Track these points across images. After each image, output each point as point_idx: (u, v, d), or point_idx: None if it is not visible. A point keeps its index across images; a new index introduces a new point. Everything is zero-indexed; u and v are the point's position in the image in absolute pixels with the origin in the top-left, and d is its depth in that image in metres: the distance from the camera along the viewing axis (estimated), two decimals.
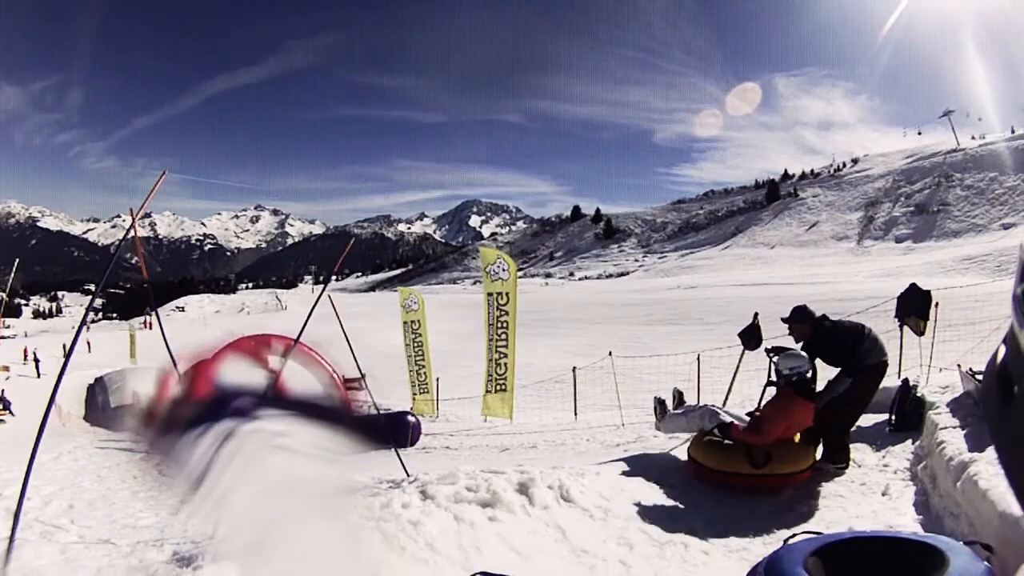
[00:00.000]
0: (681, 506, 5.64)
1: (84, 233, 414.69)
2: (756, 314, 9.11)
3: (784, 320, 7.72)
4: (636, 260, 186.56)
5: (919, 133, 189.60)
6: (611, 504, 5.62)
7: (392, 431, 13.01)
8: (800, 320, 7.49)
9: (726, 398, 9.37)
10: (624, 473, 6.65)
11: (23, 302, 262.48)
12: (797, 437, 6.74)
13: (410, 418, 15.45)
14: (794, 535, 3.07)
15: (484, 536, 5.01)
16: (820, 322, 7.41)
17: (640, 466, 6.94)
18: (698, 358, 16.16)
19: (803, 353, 7.15)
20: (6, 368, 41.62)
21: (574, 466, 6.83)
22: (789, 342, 7.81)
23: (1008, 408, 1.09)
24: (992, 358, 1.18)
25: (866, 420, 7.91)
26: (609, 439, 11.57)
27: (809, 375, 7.05)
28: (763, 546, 4.46)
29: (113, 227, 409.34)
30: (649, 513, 5.49)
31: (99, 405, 37.23)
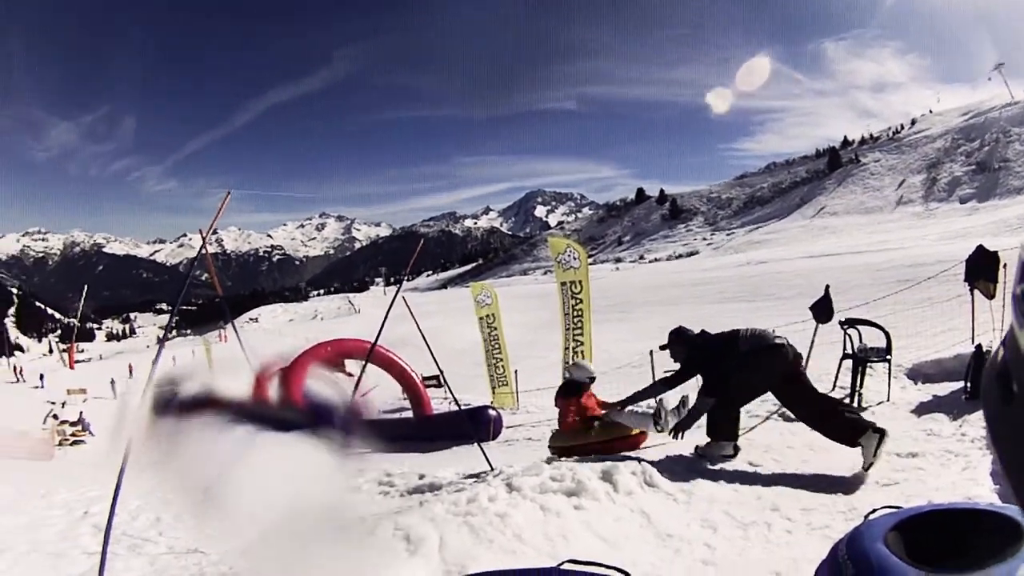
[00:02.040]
0: (764, 485, 5.59)
1: (151, 255, 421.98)
2: (827, 287, 9.01)
3: (662, 347, 8.04)
4: (704, 239, 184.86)
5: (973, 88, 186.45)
6: (694, 487, 5.62)
7: (473, 426, 13.12)
8: (673, 342, 7.76)
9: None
10: (704, 455, 6.65)
11: (96, 326, 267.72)
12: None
13: (491, 412, 15.53)
14: (874, 510, 3.05)
15: (570, 525, 5.04)
16: (693, 339, 7.56)
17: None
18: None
19: (587, 364, 9.85)
20: (83, 391, 42.74)
21: (657, 450, 6.84)
22: (863, 313, 7.75)
23: (1008, 408, 1.08)
24: (992, 358, 1.18)
25: (942, 389, 7.81)
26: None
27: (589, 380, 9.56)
28: (845, 523, 4.41)
29: (180, 247, 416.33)
30: (732, 494, 5.47)
31: None
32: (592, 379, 9.78)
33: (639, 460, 6.19)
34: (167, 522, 8.39)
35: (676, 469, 6.08)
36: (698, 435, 7.35)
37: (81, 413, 33.18)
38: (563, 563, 2.80)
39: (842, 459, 6.03)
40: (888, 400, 8.38)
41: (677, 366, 7.60)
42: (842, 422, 6.57)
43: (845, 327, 8.75)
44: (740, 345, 6.94)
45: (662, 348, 7.93)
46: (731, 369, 6.84)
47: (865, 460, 6.13)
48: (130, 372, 57.87)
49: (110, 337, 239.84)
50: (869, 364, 8.57)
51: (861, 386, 8.50)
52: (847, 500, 5.13)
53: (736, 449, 6.73)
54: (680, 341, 7.62)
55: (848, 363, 8.87)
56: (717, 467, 6.18)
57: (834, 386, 9.22)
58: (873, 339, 8.85)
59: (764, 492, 5.42)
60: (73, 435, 29.28)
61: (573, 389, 9.58)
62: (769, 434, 7.36)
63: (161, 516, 8.79)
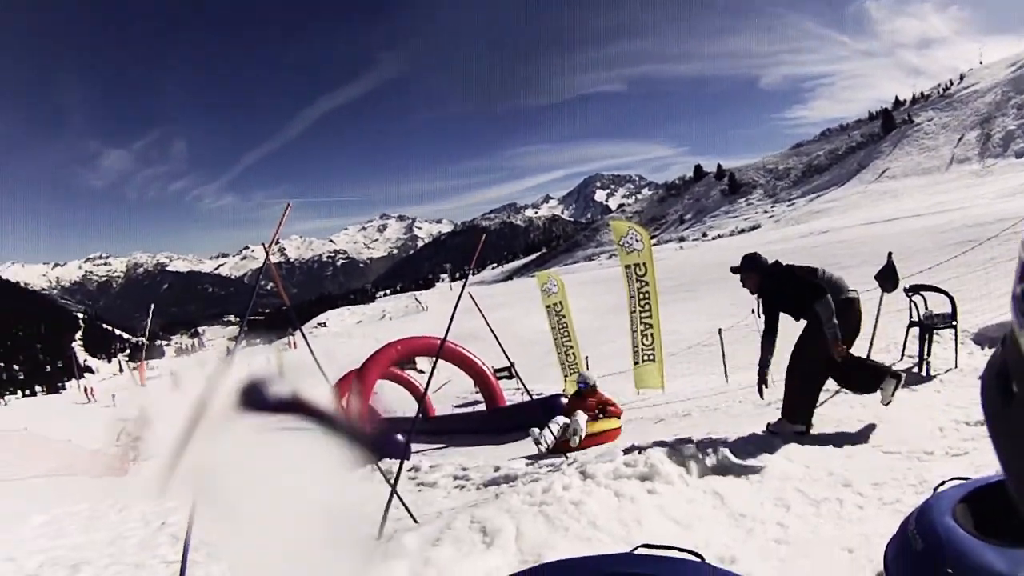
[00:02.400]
0: (835, 461, 5.55)
1: (215, 269, 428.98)
2: (890, 254, 8.87)
3: (733, 270, 7.59)
4: (765, 211, 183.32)
5: None
6: (766, 465, 5.59)
7: (547, 415, 13.15)
8: (748, 268, 7.31)
9: (871, 343, 9.17)
10: (777, 432, 6.63)
11: (164, 343, 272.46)
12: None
13: (563, 400, 15.52)
14: (943, 482, 3.04)
15: (644, 509, 5.05)
16: (767, 268, 7.22)
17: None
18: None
19: (588, 374, 11.22)
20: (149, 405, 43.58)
21: (728, 430, 6.82)
22: (926, 278, 7.62)
23: (1008, 408, 1.08)
24: (992, 357, 1.17)
25: None
26: (761, 399, 11.46)
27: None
28: (915, 496, 4.37)
29: (243, 259, 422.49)
30: (804, 471, 5.43)
31: None
32: (593, 385, 12.23)
33: (711, 441, 6.18)
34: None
35: (748, 448, 6.06)
36: (767, 414, 7.32)
37: (147, 423, 33.78)
38: (637, 548, 2.83)
39: (912, 430, 5.97)
40: (956, 367, 8.19)
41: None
42: (867, 373, 6.66)
43: (910, 294, 8.61)
44: (822, 282, 6.81)
45: (733, 271, 7.59)
46: (807, 312, 6.74)
47: (883, 399, 6.45)
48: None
49: (180, 352, 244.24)
50: (936, 331, 8.41)
51: (929, 354, 8.30)
52: (917, 472, 5.06)
53: (808, 427, 6.66)
54: (753, 268, 7.29)
55: (915, 331, 8.74)
56: (788, 444, 6.13)
57: (902, 355, 9.09)
58: (938, 305, 8.67)
59: (835, 467, 5.38)
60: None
61: (578, 394, 12.14)
62: (838, 408, 7.31)
63: None
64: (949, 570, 2.40)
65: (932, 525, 2.62)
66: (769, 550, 4.29)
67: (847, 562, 3.89)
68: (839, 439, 6.23)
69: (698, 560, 2.53)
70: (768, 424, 6.76)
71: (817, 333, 6.67)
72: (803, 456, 5.74)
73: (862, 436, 6.17)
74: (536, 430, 11.32)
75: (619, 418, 12.36)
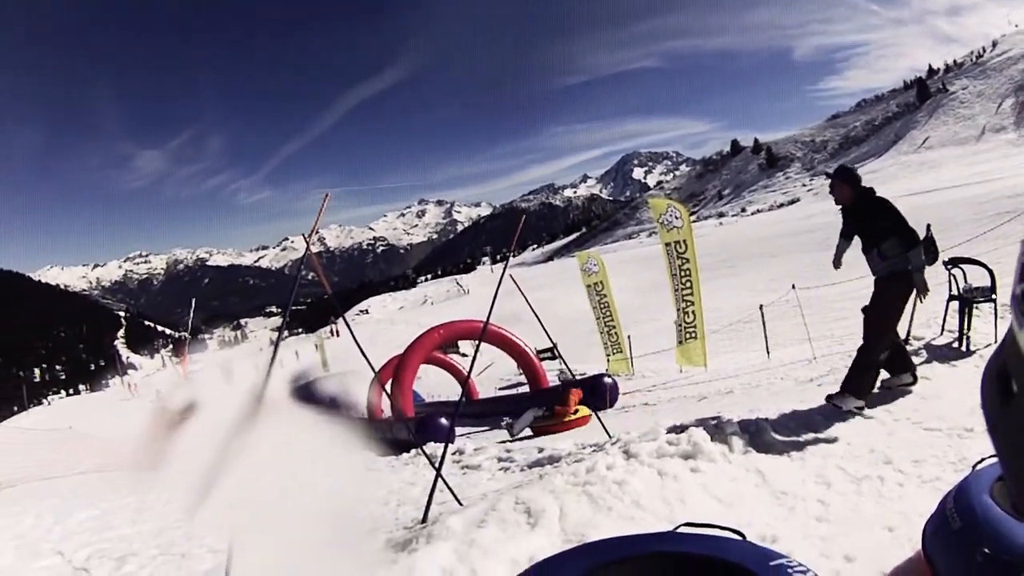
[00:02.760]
0: (876, 437, 5.52)
1: (255, 262, 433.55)
2: (928, 226, 8.76)
3: (827, 175, 7.25)
4: (803, 185, 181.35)
5: None
6: (807, 443, 5.61)
7: (590, 395, 13.18)
8: (843, 179, 6.99)
9: (911, 317, 9.08)
10: (819, 409, 6.56)
11: (207, 336, 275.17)
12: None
13: (606, 380, 15.51)
14: (981, 460, 3.04)
15: (687, 488, 5.07)
16: (866, 189, 6.91)
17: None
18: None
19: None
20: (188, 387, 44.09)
21: (770, 408, 6.81)
22: (966, 251, 7.50)
23: (1007, 408, 1.08)
24: (992, 357, 1.18)
25: None
26: (803, 375, 11.38)
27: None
28: (955, 473, 4.34)
29: (283, 250, 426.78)
30: (845, 449, 5.42)
31: None
32: (573, 380, 13.08)
33: (753, 419, 6.18)
34: None
35: (790, 425, 6.05)
36: (809, 391, 7.28)
37: (190, 401, 34.28)
38: (679, 526, 2.86)
39: (952, 407, 5.91)
40: (996, 341, 7.86)
41: None
42: (901, 358, 6.62)
43: (949, 267, 8.50)
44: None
45: (827, 176, 7.24)
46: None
47: (888, 383, 6.56)
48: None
49: (222, 344, 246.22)
50: (975, 305, 8.27)
51: (969, 328, 8.10)
52: (957, 450, 5.03)
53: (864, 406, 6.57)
54: (848, 180, 6.96)
55: (955, 305, 8.64)
56: (830, 421, 6.11)
57: (942, 330, 8.99)
58: (978, 278, 8.48)
59: (877, 444, 5.36)
60: None
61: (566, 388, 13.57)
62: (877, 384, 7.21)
63: None
64: (986, 549, 2.40)
65: (970, 504, 2.63)
66: (810, 528, 4.30)
67: (887, 540, 3.89)
68: (880, 415, 6.17)
69: (740, 538, 2.56)
70: (829, 397, 6.52)
71: (893, 294, 6.57)
72: (844, 433, 5.72)
73: (903, 412, 6.11)
74: (507, 419, 12.92)
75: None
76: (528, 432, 12.90)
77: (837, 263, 7.39)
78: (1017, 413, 1.06)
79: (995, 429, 1.18)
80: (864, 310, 6.81)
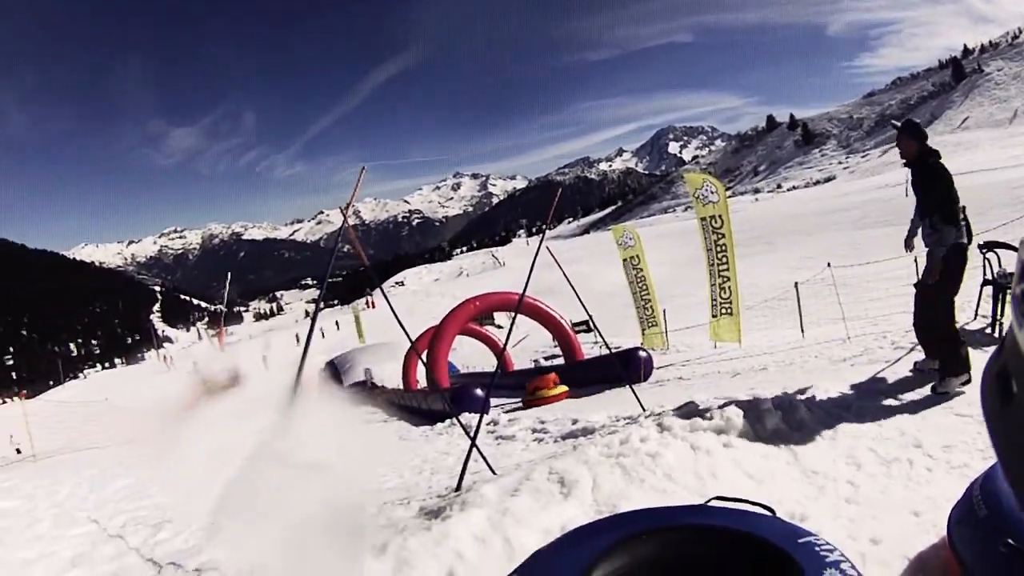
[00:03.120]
0: (907, 420, 5.52)
1: (291, 235, 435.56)
2: (963, 208, 8.70)
3: (894, 126, 6.91)
4: (839, 162, 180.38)
5: None
6: (839, 423, 5.59)
7: (624, 368, 13.19)
8: (910, 133, 6.66)
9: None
10: (852, 388, 6.55)
11: (243, 309, 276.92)
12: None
13: (641, 353, 15.50)
14: None
15: (719, 463, 5.10)
16: (931, 149, 6.59)
17: (867, 381, 6.83)
18: (915, 260, 15.28)
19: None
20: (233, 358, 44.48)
21: (803, 386, 6.80)
22: (1001, 235, 7.38)
23: (1007, 408, 1.09)
24: (992, 358, 1.18)
25: None
26: (836, 354, 11.32)
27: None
28: (983, 461, 4.31)
29: (318, 224, 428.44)
30: (876, 430, 5.41)
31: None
32: (549, 363, 13.71)
33: (786, 396, 6.17)
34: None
35: (823, 405, 6.04)
36: (843, 371, 7.23)
37: (232, 374, 34.70)
38: (711, 500, 2.90)
39: None
40: None
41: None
42: (956, 352, 6.34)
43: (983, 251, 8.42)
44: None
45: (894, 127, 6.90)
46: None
47: (940, 388, 6.14)
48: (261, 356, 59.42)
49: (258, 317, 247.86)
50: (1009, 290, 8.17)
51: (1002, 314, 8.07)
52: (986, 437, 4.95)
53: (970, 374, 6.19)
54: (914, 135, 6.65)
55: (989, 290, 8.56)
56: (862, 401, 6.09)
57: (975, 315, 8.92)
58: (1013, 263, 8.34)
59: (907, 427, 5.36)
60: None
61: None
62: (911, 363, 7.19)
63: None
64: (1010, 540, 2.42)
65: (996, 492, 2.64)
66: (839, 509, 4.33)
67: (912, 525, 3.91)
68: (912, 399, 6.16)
69: (770, 514, 2.60)
70: (933, 387, 6.24)
71: (944, 268, 6.32)
72: (876, 414, 5.70)
73: (935, 397, 6.08)
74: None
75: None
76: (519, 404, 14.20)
77: (908, 244, 7.17)
78: (1017, 414, 1.08)
79: (995, 430, 1.19)
80: (916, 285, 6.70)
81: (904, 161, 6.70)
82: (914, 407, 5.90)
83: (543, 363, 23.37)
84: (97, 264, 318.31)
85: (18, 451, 24.39)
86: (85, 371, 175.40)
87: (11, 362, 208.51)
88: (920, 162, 6.59)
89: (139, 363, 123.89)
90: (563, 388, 14.74)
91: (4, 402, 75.91)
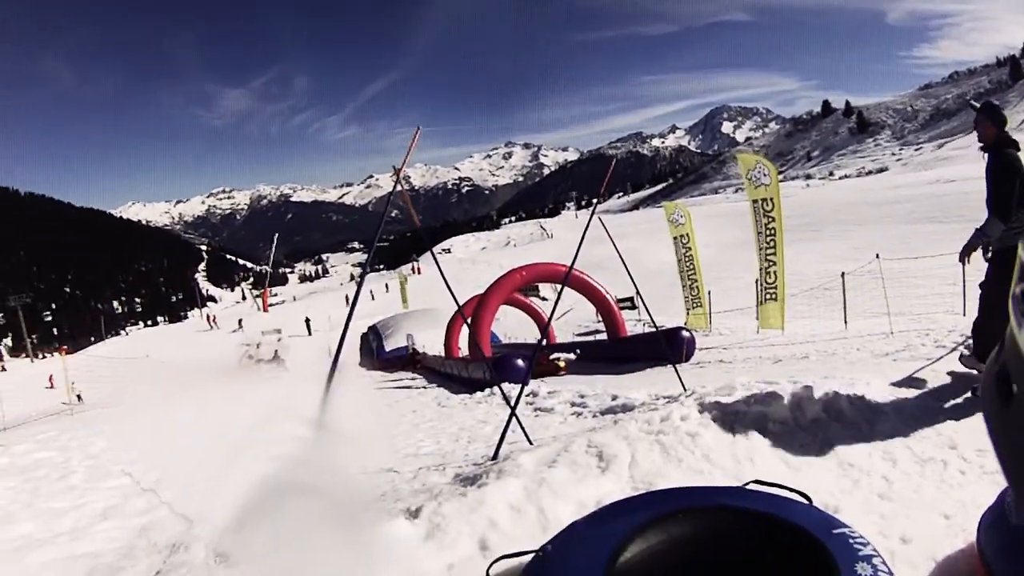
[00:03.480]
0: (944, 420, 5.49)
1: (339, 199, 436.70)
2: None
3: (973, 107, 6.56)
4: (893, 154, 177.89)
5: None
6: (878, 417, 5.58)
7: (667, 347, 13.21)
8: (988, 115, 6.34)
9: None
10: (893, 385, 6.53)
11: (288, 270, 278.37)
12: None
13: (684, 333, 15.51)
14: None
15: (757, 447, 5.13)
16: (1008, 137, 6.25)
17: (907, 378, 6.79)
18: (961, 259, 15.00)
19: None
20: (278, 331, 45.09)
21: (845, 377, 6.78)
22: None
23: (1007, 408, 1.11)
24: (992, 358, 1.19)
25: None
26: (879, 348, 11.25)
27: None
28: None
29: (367, 187, 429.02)
30: (913, 428, 5.38)
31: (373, 350, 39.84)
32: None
33: (827, 386, 6.16)
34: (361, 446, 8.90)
35: (862, 397, 6.01)
36: (884, 364, 7.18)
37: (276, 351, 35.34)
38: (749, 483, 2.94)
39: None
40: None
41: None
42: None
43: None
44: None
45: (973, 108, 6.54)
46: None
47: (968, 364, 6.43)
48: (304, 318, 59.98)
49: (303, 279, 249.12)
50: None
51: None
52: None
53: None
54: (993, 118, 6.34)
55: None
56: (901, 398, 6.08)
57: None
58: None
59: (944, 427, 5.35)
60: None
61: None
62: (951, 364, 7.13)
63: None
64: None
65: None
66: (872, 504, 4.35)
67: (942, 527, 3.93)
68: (951, 400, 6.12)
69: (807, 502, 2.64)
70: (974, 390, 6.11)
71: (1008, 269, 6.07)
72: (914, 412, 5.69)
73: (974, 400, 6.00)
74: None
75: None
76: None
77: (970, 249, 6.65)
78: (1017, 414, 1.10)
79: (995, 431, 1.21)
80: (981, 285, 6.56)
81: (981, 145, 6.52)
82: (953, 408, 5.87)
83: (577, 339, 23.54)
84: (144, 223, 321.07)
85: (79, 398, 24.96)
86: (127, 328, 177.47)
87: (51, 319, 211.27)
88: (996, 149, 6.29)
89: (182, 322, 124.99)
90: (561, 363, 16.19)
91: (44, 357, 77.63)
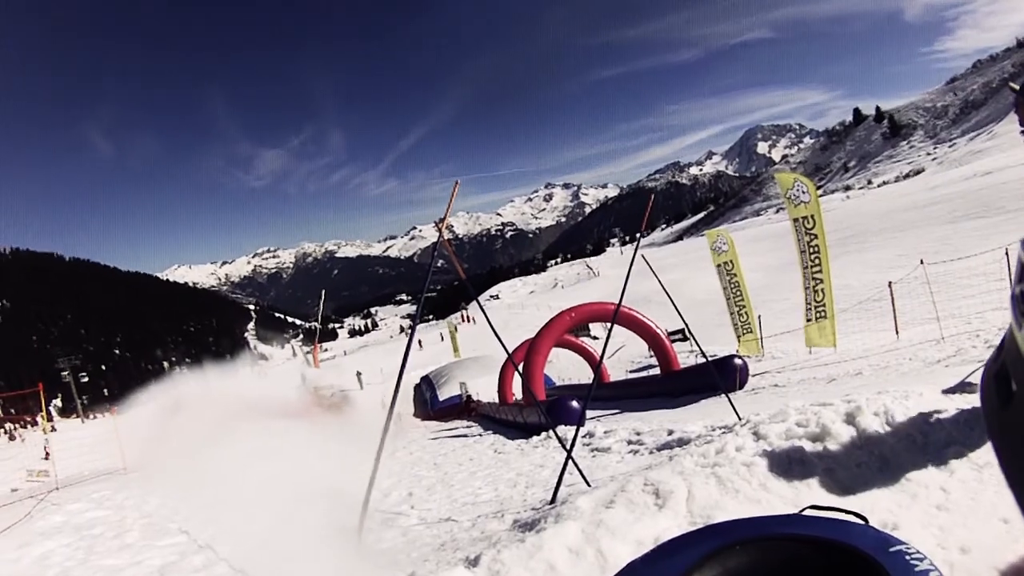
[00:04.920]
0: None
1: (384, 252, 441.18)
2: None
3: (1011, 89, 6.57)
4: (927, 153, 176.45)
5: None
6: (933, 427, 5.49)
7: (720, 376, 13.13)
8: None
9: None
10: (945, 392, 6.45)
11: (337, 325, 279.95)
12: None
13: (736, 361, 15.39)
14: None
15: (813, 470, 5.06)
16: None
17: (960, 383, 6.71)
18: (1006, 253, 14.85)
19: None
20: (344, 391, 45.47)
21: (898, 389, 6.72)
22: None
23: (1007, 408, 1.11)
24: (991, 359, 1.20)
25: None
26: (930, 355, 11.14)
27: None
28: None
29: (411, 239, 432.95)
30: (968, 434, 5.27)
31: (427, 401, 39.80)
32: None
33: (881, 402, 6.08)
34: (419, 496, 8.89)
35: (916, 409, 5.93)
36: (937, 372, 7.10)
37: (345, 395, 35.49)
38: (804, 509, 2.93)
39: None
40: None
41: None
42: None
43: None
44: None
45: (1012, 90, 6.53)
46: None
47: None
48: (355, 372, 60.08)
49: (352, 333, 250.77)
50: None
51: None
52: None
53: None
54: None
55: None
56: (955, 405, 5.95)
57: None
58: None
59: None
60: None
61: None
62: None
63: (413, 491, 9.32)
64: None
65: None
66: (930, 517, 4.28)
67: (1002, 532, 3.86)
68: None
69: (863, 523, 2.64)
70: None
71: None
72: (968, 418, 5.57)
73: None
74: None
75: None
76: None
77: None
78: (1017, 414, 1.11)
79: (995, 431, 1.22)
80: None
81: (1023, 129, 6.39)
82: None
83: (630, 375, 23.42)
84: (191, 284, 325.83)
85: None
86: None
87: (101, 381, 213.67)
88: None
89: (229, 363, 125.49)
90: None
91: (95, 418, 78.56)
